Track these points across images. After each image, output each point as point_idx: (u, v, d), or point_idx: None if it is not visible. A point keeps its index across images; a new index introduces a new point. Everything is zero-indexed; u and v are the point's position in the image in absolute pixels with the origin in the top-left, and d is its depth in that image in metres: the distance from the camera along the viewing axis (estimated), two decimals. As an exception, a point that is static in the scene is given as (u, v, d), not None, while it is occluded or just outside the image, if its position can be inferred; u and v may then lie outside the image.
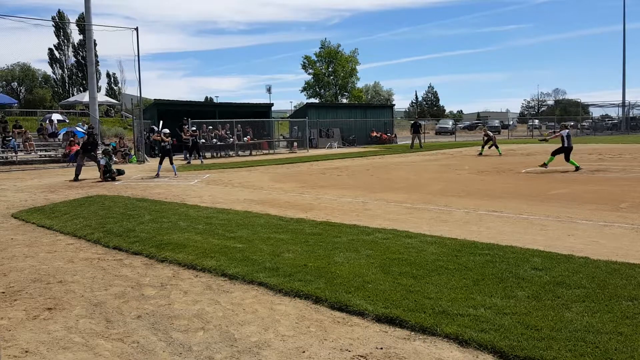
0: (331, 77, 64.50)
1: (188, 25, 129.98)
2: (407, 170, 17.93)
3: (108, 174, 15.78)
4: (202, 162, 22.17)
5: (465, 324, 3.88)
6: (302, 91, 66.69)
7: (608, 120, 61.70)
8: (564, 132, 16.37)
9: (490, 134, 25.74)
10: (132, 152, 24.58)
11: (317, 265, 5.51)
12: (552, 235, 6.97)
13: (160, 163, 17.19)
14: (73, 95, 54.22)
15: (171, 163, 16.84)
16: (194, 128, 16.09)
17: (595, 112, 65.08)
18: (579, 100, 71.70)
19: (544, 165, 16.37)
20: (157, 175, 16.45)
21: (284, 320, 4.26)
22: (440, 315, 4.05)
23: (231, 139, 27.96)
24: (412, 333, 3.89)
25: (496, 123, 62.34)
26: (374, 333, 3.95)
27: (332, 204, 10.30)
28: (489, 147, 24.56)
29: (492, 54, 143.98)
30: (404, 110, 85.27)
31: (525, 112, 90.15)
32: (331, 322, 4.17)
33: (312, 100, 62.52)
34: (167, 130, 16.93)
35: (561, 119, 61.16)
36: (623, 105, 59.93)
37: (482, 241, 6.46)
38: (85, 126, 24.71)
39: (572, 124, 58.74)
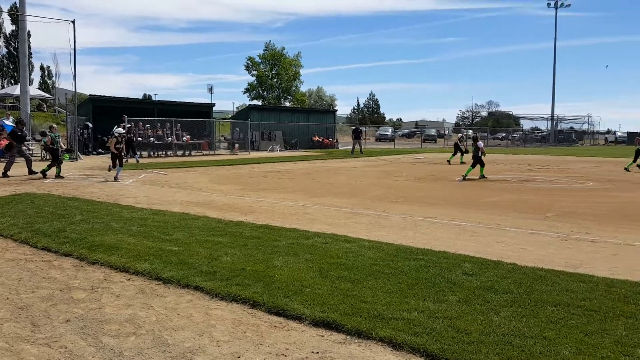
0: (275, 80, 64.37)
1: (128, 20, 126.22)
2: (347, 175, 18.15)
3: (54, 162, 14.95)
4: (137, 161, 21.51)
5: (399, 327, 3.97)
6: (244, 92, 66.25)
7: (538, 133, 64.85)
8: (480, 144, 17.23)
9: (461, 143, 25.51)
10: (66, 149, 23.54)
11: (256, 269, 5.48)
12: (482, 242, 7.25)
13: (119, 165, 15.77)
14: (3, 87, 51.41)
15: (120, 165, 15.81)
16: (120, 130, 15.41)
17: (526, 125, 68.30)
18: (511, 113, 75.04)
19: (484, 175, 16.99)
20: (116, 179, 15.09)
21: (219, 325, 4.21)
22: (375, 319, 4.12)
23: (170, 139, 27.35)
24: (348, 337, 3.94)
25: (433, 132, 64.19)
26: (311, 337, 3.97)
27: (273, 207, 10.28)
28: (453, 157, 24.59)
29: (431, 65, 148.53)
30: (346, 116, 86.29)
31: (460, 123, 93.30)
32: (268, 327, 4.16)
33: (255, 102, 62.17)
34: (122, 130, 16.18)
35: (494, 130, 63.77)
36: (552, 119, 63.23)
37: (417, 246, 6.64)
38: (11, 118, 23.41)
39: (503, 134, 61.28)
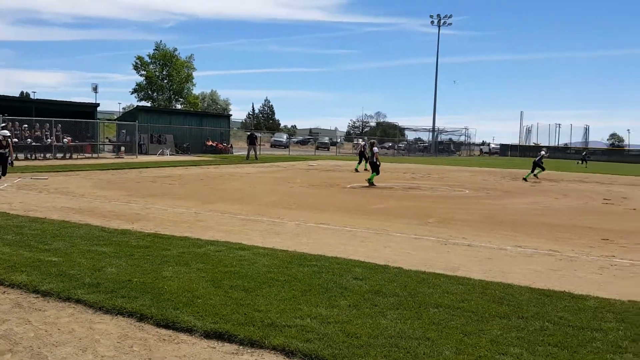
0: (165, 81, 62.24)
1: (5, 12, 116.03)
2: (242, 181, 18.00)
3: None
4: (11, 163, 19.78)
5: (292, 334, 4.01)
6: (132, 93, 63.29)
7: (420, 143, 68.64)
8: (375, 149, 18.02)
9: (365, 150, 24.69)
10: None
11: (144, 280, 5.26)
12: (371, 247, 7.54)
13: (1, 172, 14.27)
14: None
15: (3, 174, 14.34)
16: (5, 133, 14.16)
17: (410, 135, 72.17)
18: (397, 124, 78.75)
19: (371, 184, 17.62)
20: None
21: (104, 339, 3.99)
22: (268, 328, 4.13)
23: (49, 140, 25.45)
24: (241, 347, 3.91)
25: (326, 140, 65.65)
26: (202, 349, 3.88)
27: (162, 214, 9.93)
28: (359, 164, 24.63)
29: (324, 74, 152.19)
30: (240, 121, 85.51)
31: (351, 132, 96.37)
32: (157, 340, 4.01)
33: (144, 103, 59.69)
34: (6, 132, 14.70)
35: (381, 139, 66.55)
36: (433, 130, 67.26)
37: (311, 252, 6.75)
38: None
39: (390, 144, 64.17)
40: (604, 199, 16.42)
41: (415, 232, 8.92)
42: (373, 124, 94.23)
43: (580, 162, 46.96)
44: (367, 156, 24.87)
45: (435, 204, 13.64)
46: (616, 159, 64.52)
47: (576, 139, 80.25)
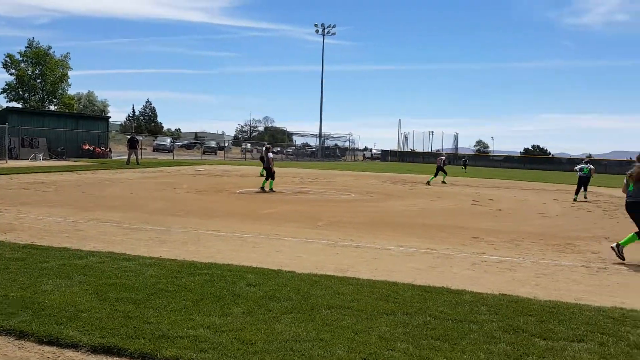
0: (38, 81, 57.49)
1: None
2: (123, 187, 17.16)
3: None
4: None
5: (185, 345, 3.93)
6: (1, 93, 57.73)
7: (308, 148, 69.92)
8: (270, 155, 18.15)
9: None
10: None
11: (21, 295, 4.86)
12: (263, 252, 7.57)
13: None
14: None
15: None
16: None
17: (298, 140, 73.28)
18: (285, 129, 79.49)
19: (263, 188, 17.61)
20: None
21: (-25, 363, 3.64)
22: (160, 340, 4.01)
23: None
24: (131, 360, 3.76)
25: (213, 144, 64.50)
26: (89, 365, 3.68)
27: (38, 224, 9.20)
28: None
29: (211, 77, 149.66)
30: (120, 123, 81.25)
31: (239, 136, 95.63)
32: (39, 359, 3.74)
33: (14, 104, 54.73)
34: None
35: (265, 144, 66.83)
36: (320, 136, 68.75)
37: (201, 261, 6.63)
38: None
39: (278, 148, 64.58)
40: (473, 200, 17.82)
41: (306, 236, 9.09)
42: (261, 128, 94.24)
43: (462, 167, 50.33)
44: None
45: (324, 207, 13.99)
46: (482, 164, 70.15)
47: (447, 145, 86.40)
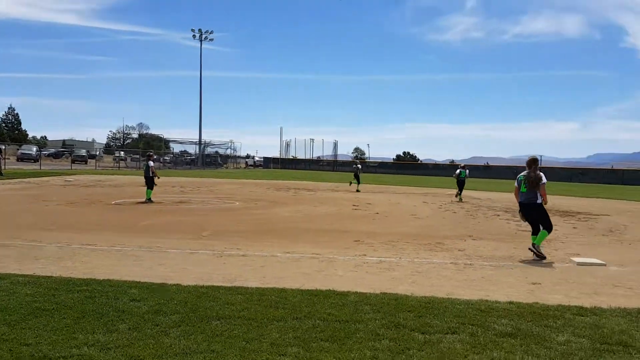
0: None
1: None
2: (-21, 201, 15.56)
3: None
4: None
5: (68, 366, 3.72)
6: None
7: (187, 156, 68.14)
8: (151, 163, 17.57)
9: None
10: None
11: None
12: (146, 265, 7.31)
13: None
14: None
15: None
16: None
17: (176, 148, 71.06)
18: (162, 136, 76.78)
19: (149, 200, 16.92)
20: None
21: None
22: (38, 363, 3.75)
23: None
24: (6, 389, 3.49)
25: (83, 152, 60.55)
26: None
27: None
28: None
29: (82, 82, 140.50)
30: (-24, 132, 73.56)
31: (112, 144, 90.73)
32: None
33: None
34: None
35: (145, 152, 64.17)
36: (200, 143, 67.30)
37: (79, 277, 6.26)
38: None
39: (155, 156, 62.26)
40: (353, 205, 18.57)
41: (190, 247, 8.91)
42: (135, 135, 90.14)
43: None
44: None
45: (208, 217, 13.78)
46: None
47: (327, 152, 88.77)
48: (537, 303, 5.79)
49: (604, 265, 8.39)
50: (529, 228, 9.23)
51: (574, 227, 13.65)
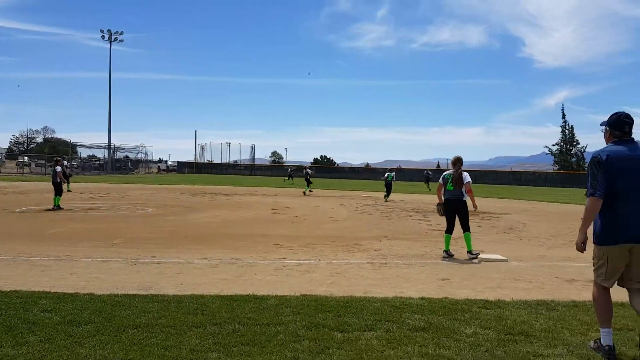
0: None
1: None
2: None
3: None
4: None
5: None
6: None
7: (95, 161, 65.05)
8: (58, 168, 16.80)
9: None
10: None
11: None
12: (56, 275, 6.97)
13: None
14: None
15: None
16: None
17: (84, 152, 67.63)
18: (68, 140, 72.75)
19: (57, 207, 16.15)
20: None
21: None
22: (-63, 384, 3.50)
23: None
24: None
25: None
26: None
27: None
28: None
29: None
30: None
31: (15, 148, 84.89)
32: None
33: None
34: None
35: (51, 157, 60.61)
36: (109, 147, 64.47)
37: (-20, 290, 5.86)
38: None
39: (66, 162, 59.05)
40: (272, 209, 18.61)
41: (102, 255, 8.58)
42: (40, 140, 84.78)
43: (287, 178, 50.05)
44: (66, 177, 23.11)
45: (120, 224, 13.28)
46: (277, 174, 73.11)
47: (245, 156, 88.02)
48: (446, 298, 6.14)
49: (506, 260, 9.02)
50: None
51: (479, 226, 14.49)
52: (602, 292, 4.47)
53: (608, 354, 4.26)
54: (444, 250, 9.33)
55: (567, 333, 4.87)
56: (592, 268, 4.56)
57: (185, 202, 21.20)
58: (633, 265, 4.34)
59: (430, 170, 52.60)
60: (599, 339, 4.40)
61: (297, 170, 64.74)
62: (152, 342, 4.41)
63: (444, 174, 9.59)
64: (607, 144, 4.56)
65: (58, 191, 16.44)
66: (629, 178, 4.29)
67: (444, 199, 9.49)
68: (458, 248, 9.80)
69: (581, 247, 4.50)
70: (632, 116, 4.50)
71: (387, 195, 24.64)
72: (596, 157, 4.35)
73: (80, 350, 4.16)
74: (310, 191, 28.79)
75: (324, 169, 78.02)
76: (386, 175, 25.63)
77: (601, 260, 4.44)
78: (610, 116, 4.54)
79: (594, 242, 4.50)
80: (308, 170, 31.54)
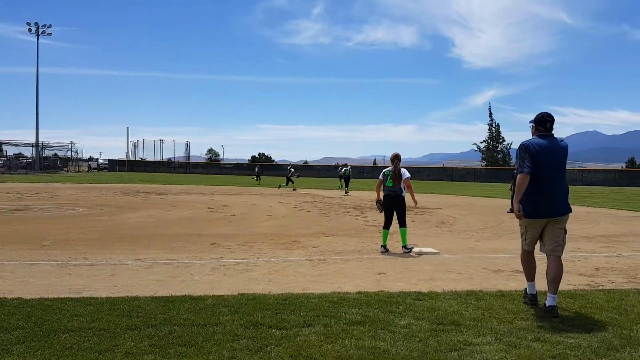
0: None
1: None
2: None
3: None
4: None
5: None
6: None
7: (22, 159, 61.78)
8: None
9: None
10: None
11: None
12: (-23, 282, 6.62)
13: None
14: None
15: None
16: None
17: (10, 151, 64.00)
18: (-7, 137, 68.66)
19: None
20: None
21: None
22: None
23: None
24: None
25: None
26: None
27: None
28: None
29: None
30: None
31: None
32: None
33: None
34: None
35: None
36: (37, 145, 61.37)
37: None
38: None
39: None
40: (209, 208, 18.37)
41: (30, 258, 8.21)
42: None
43: (256, 178, 48.37)
44: None
45: (49, 225, 12.72)
46: (214, 172, 72.10)
47: (179, 154, 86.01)
48: (382, 291, 6.32)
49: (438, 253, 9.37)
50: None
51: (412, 221, 14.93)
52: (525, 254, 5.85)
53: (531, 299, 5.74)
54: (382, 246, 9.56)
55: (495, 322, 5.14)
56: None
57: (118, 201, 20.56)
58: (546, 233, 5.60)
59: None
60: (526, 289, 5.87)
61: (203, 168, 63.76)
62: (85, 346, 4.30)
63: (384, 170, 9.83)
64: (532, 137, 5.67)
65: None
66: (546, 162, 5.44)
67: (383, 195, 9.72)
68: (393, 242, 10.07)
69: (519, 215, 5.60)
70: (553, 115, 5.64)
71: (346, 189, 29.00)
72: (524, 145, 5.51)
73: (8, 358, 4.00)
74: (283, 187, 31.94)
75: (262, 167, 77.53)
76: (343, 170, 30.63)
77: (522, 229, 5.76)
78: (536, 115, 5.66)
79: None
80: (290, 169, 36.33)
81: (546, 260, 5.69)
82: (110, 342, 4.42)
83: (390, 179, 9.60)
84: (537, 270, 5.88)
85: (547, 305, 5.42)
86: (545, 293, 5.65)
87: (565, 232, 5.62)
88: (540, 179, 5.41)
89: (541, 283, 5.89)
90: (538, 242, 5.75)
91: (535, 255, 5.89)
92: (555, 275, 5.47)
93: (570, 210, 5.63)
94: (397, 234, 9.74)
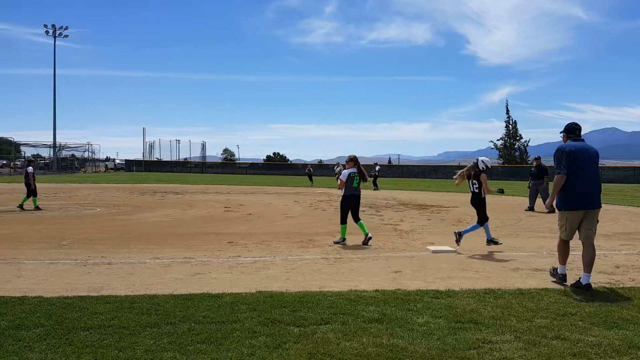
0: None
1: None
2: None
3: None
4: None
5: None
6: None
7: (40, 160, 62.64)
8: (30, 169, 16.84)
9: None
10: None
11: None
12: (1, 279, 6.72)
13: None
14: None
15: None
16: None
17: (28, 152, 64.91)
18: (12, 139, 69.52)
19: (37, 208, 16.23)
20: None
21: None
22: None
23: None
24: None
25: None
26: None
27: None
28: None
29: None
30: None
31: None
32: None
33: None
34: None
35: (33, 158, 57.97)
36: (54, 146, 62.21)
37: None
38: None
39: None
40: (225, 207, 18.45)
41: (49, 257, 8.33)
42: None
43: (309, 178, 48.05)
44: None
45: (68, 224, 12.88)
46: (229, 171, 72.40)
47: (195, 154, 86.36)
48: (399, 289, 6.30)
49: (455, 252, 9.31)
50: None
51: (429, 219, 14.86)
52: (562, 242, 6.64)
53: (561, 278, 6.64)
54: (342, 238, 10.21)
55: (514, 320, 5.10)
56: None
57: (135, 201, 20.75)
58: (583, 224, 6.40)
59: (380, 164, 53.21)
60: (557, 268, 6.76)
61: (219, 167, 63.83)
62: (105, 343, 4.35)
63: (350, 172, 10.37)
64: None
65: (31, 192, 16.49)
66: (583, 161, 6.32)
67: (349, 195, 10.36)
68: (410, 241, 10.03)
69: (550, 209, 6.84)
70: (579, 124, 6.59)
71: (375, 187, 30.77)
72: (562, 148, 6.40)
73: (30, 354, 4.06)
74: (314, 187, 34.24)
75: (277, 166, 77.81)
76: (378, 168, 33.58)
77: (561, 221, 6.51)
78: (565, 126, 6.66)
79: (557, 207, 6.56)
80: (310, 168, 40.65)
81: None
82: (129, 339, 4.46)
83: (357, 180, 10.31)
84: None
85: (583, 283, 6.26)
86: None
87: (597, 221, 6.51)
88: (578, 176, 6.28)
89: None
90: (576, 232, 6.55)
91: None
92: (590, 258, 6.33)
93: (601, 205, 6.54)
94: (413, 232, 9.70)
